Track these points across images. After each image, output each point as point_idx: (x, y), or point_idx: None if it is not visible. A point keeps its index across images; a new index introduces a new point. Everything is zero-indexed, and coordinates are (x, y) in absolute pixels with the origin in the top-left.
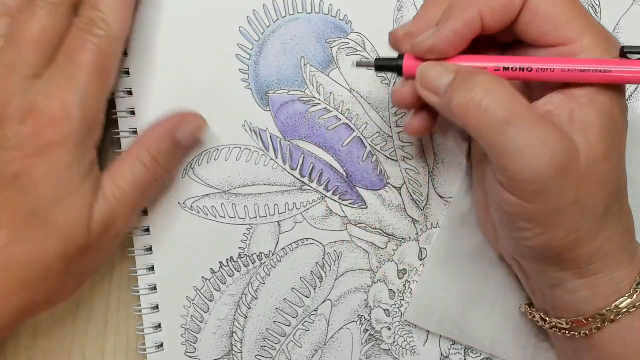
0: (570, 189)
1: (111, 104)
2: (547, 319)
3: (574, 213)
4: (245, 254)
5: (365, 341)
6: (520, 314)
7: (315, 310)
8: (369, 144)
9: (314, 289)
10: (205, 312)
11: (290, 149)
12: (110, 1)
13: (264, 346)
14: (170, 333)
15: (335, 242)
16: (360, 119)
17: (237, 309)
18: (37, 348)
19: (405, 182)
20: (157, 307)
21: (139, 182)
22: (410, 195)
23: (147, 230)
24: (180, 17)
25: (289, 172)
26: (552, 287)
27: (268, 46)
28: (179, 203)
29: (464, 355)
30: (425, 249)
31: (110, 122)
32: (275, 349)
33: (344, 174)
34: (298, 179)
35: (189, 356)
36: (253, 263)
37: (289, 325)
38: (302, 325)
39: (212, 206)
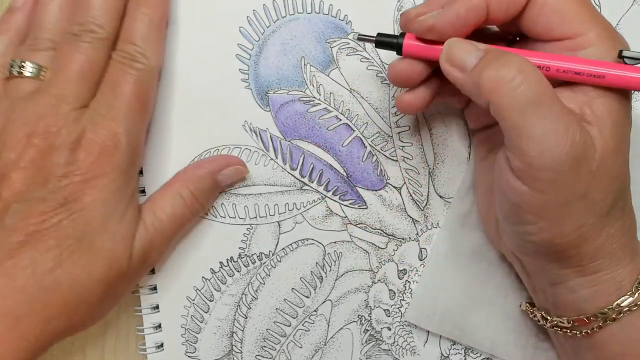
0: (581, 182)
1: None
2: (548, 317)
3: (580, 208)
4: (246, 254)
5: (366, 341)
6: (521, 314)
7: (315, 311)
8: (369, 144)
9: (314, 289)
10: (205, 312)
11: (290, 149)
12: (146, 35)
13: (264, 346)
14: (170, 333)
15: (335, 242)
16: (360, 119)
17: (237, 309)
18: None
19: (405, 182)
20: (157, 307)
21: (178, 216)
22: (410, 195)
23: None
24: (180, 17)
25: (289, 172)
26: (553, 285)
27: (268, 46)
28: None
29: (464, 356)
30: (425, 249)
31: None
32: (275, 349)
33: (344, 174)
34: (298, 179)
35: (189, 356)
36: (253, 263)
37: (289, 326)
38: (302, 325)
39: (212, 206)
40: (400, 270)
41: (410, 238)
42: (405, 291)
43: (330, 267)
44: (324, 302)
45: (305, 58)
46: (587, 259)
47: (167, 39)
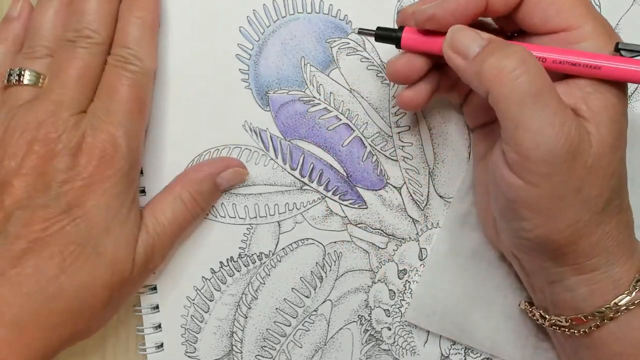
0: (576, 177)
1: None
2: (547, 316)
3: (575, 203)
4: (246, 254)
5: (366, 341)
6: (520, 314)
7: (315, 311)
8: (369, 144)
9: (314, 289)
10: (206, 312)
11: (290, 149)
12: (139, 38)
13: (264, 346)
14: (170, 333)
15: (335, 242)
16: (360, 119)
17: (237, 308)
18: None
19: (405, 182)
20: (157, 307)
21: (178, 219)
22: (410, 195)
23: None
24: (180, 17)
25: (289, 172)
26: (551, 284)
27: (268, 46)
28: None
29: (464, 356)
30: (425, 249)
31: None
32: (275, 349)
33: (344, 174)
34: (298, 179)
35: (189, 356)
36: (253, 263)
37: (289, 325)
38: (302, 325)
39: (213, 206)
40: (400, 270)
41: (410, 238)
42: (405, 291)
43: (330, 267)
44: (324, 302)
45: (305, 58)
46: (583, 257)
47: (168, 39)
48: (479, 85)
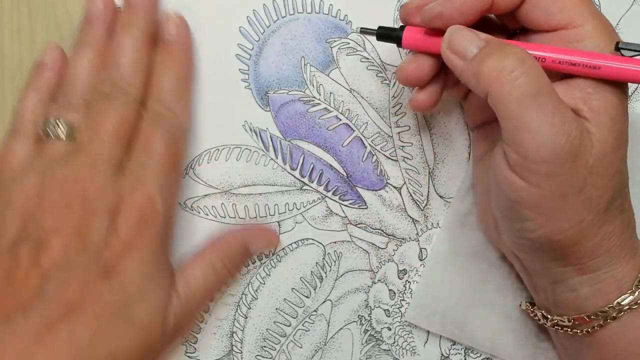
0: (578, 177)
1: None
2: (549, 316)
3: (578, 203)
4: None
5: (366, 341)
6: (521, 314)
7: (315, 311)
8: (369, 144)
9: (314, 289)
10: (205, 312)
11: (290, 149)
12: (174, 93)
13: (264, 346)
14: None
15: (335, 242)
16: (360, 119)
17: (237, 309)
18: None
19: (405, 182)
20: None
21: (209, 286)
22: (411, 195)
23: None
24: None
25: (289, 172)
26: (553, 284)
27: (268, 46)
28: (179, 203)
29: (464, 356)
30: (425, 249)
31: None
32: (275, 349)
33: (344, 174)
34: (298, 179)
35: (189, 356)
36: (253, 263)
37: (289, 326)
38: (302, 325)
39: (212, 206)
40: (400, 271)
41: (410, 238)
42: (405, 291)
43: (330, 267)
44: (324, 302)
45: (305, 58)
46: (586, 257)
47: None
48: (477, 86)
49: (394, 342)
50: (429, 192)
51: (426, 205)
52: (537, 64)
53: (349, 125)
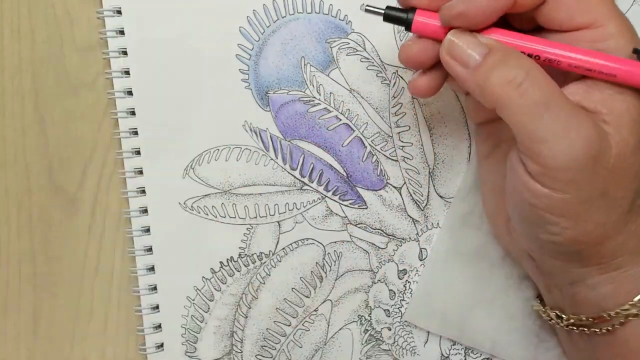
0: (600, 180)
1: (111, 105)
2: (564, 316)
3: (602, 205)
4: (246, 254)
5: (366, 341)
6: (521, 314)
7: (315, 310)
8: (369, 144)
9: (314, 289)
10: (206, 312)
11: (290, 149)
12: None
13: (264, 346)
14: (170, 333)
15: (335, 242)
16: (360, 119)
17: (237, 308)
18: (37, 348)
19: (405, 182)
20: (157, 307)
21: None
22: (411, 195)
23: (147, 230)
24: (180, 17)
25: (289, 172)
26: (572, 284)
27: (268, 46)
28: (179, 203)
29: (464, 356)
30: (425, 249)
31: (113, 122)
32: (276, 349)
33: (344, 174)
34: (298, 179)
35: (189, 356)
36: (253, 263)
37: (289, 325)
38: (302, 325)
39: (212, 206)
40: (400, 271)
41: (410, 238)
42: (405, 291)
43: (330, 267)
44: (324, 302)
45: (305, 58)
46: (608, 257)
47: (167, 38)
48: (483, 98)
49: (394, 342)
50: (429, 192)
51: (426, 205)
52: (543, 71)
53: (349, 125)
